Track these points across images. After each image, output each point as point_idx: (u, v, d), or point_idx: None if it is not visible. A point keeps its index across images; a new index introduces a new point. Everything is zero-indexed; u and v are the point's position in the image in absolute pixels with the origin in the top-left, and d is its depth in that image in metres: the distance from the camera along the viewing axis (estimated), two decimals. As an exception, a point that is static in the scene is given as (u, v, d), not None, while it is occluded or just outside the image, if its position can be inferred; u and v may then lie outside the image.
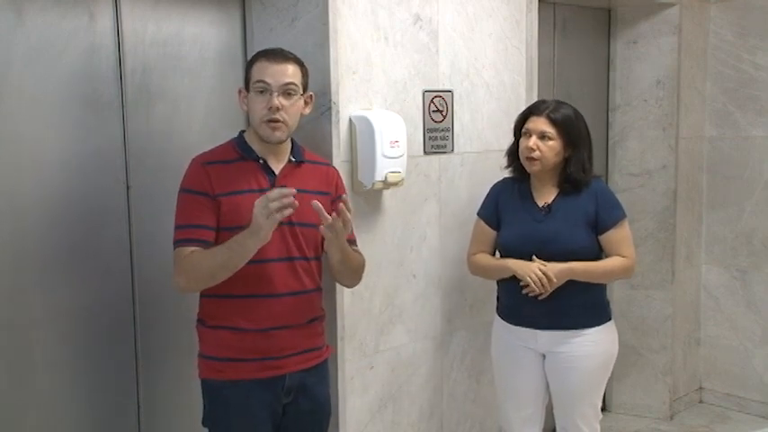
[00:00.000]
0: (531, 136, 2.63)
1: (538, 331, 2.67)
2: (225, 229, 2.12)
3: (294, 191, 1.94)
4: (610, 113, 4.15)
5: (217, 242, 2.12)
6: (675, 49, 3.97)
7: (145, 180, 2.48)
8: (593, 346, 2.66)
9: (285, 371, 2.20)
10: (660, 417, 4.17)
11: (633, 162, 4.11)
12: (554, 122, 2.61)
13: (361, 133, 2.61)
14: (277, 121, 2.14)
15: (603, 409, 4.03)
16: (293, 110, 2.17)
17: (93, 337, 2.42)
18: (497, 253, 2.80)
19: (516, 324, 2.72)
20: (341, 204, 2.04)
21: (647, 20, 4.01)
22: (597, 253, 2.68)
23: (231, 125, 2.61)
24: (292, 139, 2.27)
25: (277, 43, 2.44)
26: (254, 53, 2.27)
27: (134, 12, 2.44)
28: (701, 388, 4.43)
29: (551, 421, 2.86)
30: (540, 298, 2.59)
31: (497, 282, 2.80)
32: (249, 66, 2.21)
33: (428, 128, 2.90)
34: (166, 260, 2.36)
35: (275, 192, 1.94)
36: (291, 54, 2.21)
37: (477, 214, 2.84)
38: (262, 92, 2.14)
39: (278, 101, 2.13)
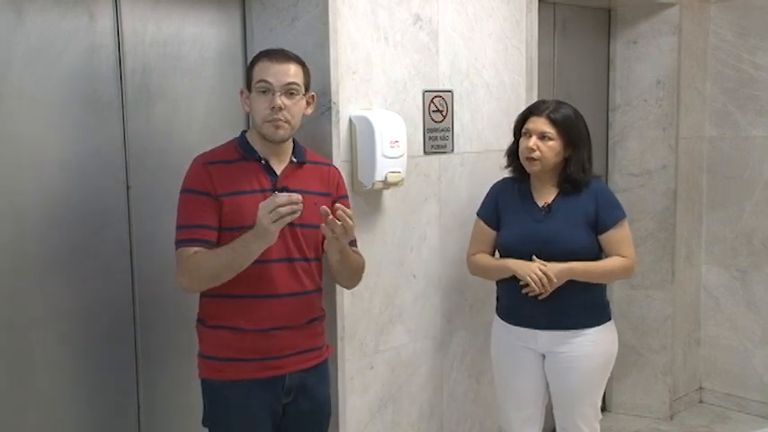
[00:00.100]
0: (531, 136, 2.63)
1: (538, 331, 2.68)
2: (226, 230, 2.12)
3: (301, 197, 1.95)
4: (610, 113, 4.15)
5: (218, 243, 2.12)
6: (675, 49, 3.97)
7: (145, 180, 2.48)
8: (593, 346, 2.66)
9: (285, 371, 2.20)
10: (660, 417, 4.17)
11: (633, 162, 4.11)
12: (554, 123, 2.61)
13: (361, 133, 2.61)
14: (280, 121, 2.14)
15: (603, 409, 4.04)
16: (295, 109, 2.18)
17: (93, 337, 2.42)
18: (497, 253, 2.80)
19: (516, 324, 2.72)
20: (339, 210, 2.03)
21: (647, 20, 4.01)
22: (597, 253, 2.68)
23: (231, 125, 2.61)
24: (294, 140, 2.27)
25: (277, 43, 2.44)
26: (254, 53, 2.27)
27: (134, 12, 2.44)
28: (701, 388, 4.43)
29: (551, 421, 2.86)
30: (539, 298, 2.59)
31: (497, 282, 2.80)
32: (251, 66, 2.21)
33: (428, 128, 2.90)
34: (166, 260, 2.37)
35: (284, 197, 1.94)
36: (293, 54, 2.21)
37: (477, 214, 2.84)
38: (264, 92, 2.15)
39: (280, 101, 2.13)
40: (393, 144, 2.61)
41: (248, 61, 2.59)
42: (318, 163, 2.33)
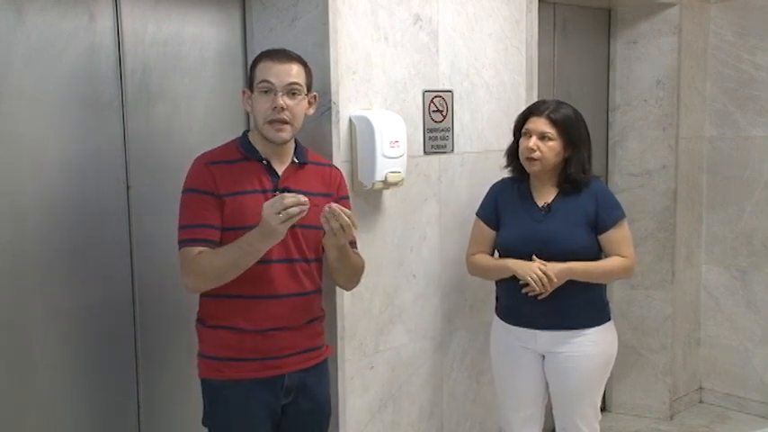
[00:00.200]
0: (531, 136, 2.63)
1: (537, 331, 2.67)
2: (228, 230, 2.12)
3: (307, 199, 1.96)
4: (610, 113, 4.15)
5: (220, 243, 2.12)
6: (675, 49, 3.97)
7: (145, 180, 2.48)
8: (593, 347, 2.66)
9: (284, 371, 2.20)
10: (660, 417, 4.17)
11: (633, 162, 4.11)
12: (554, 123, 2.61)
13: (361, 133, 2.61)
14: (282, 121, 2.14)
15: (603, 409, 4.05)
16: (298, 110, 2.18)
17: (93, 337, 2.42)
18: (496, 253, 2.80)
19: (515, 324, 2.72)
20: (335, 207, 2.04)
21: (647, 20, 4.01)
22: (597, 253, 2.68)
23: (231, 125, 2.61)
24: (296, 140, 2.27)
25: (277, 43, 2.44)
26: (254, 53, 2.28)
27: (134, 12, 2.44)
28: (701, 388, 4.43)
29: (551, 421, 2.86)
30: (539, 298, 2.59)
31: (496, 282, 2.80)
32: (253, 66, 2.21)
33: (428, 128, 2.90)
34: (166, 260, 2.37)
35: (291, 198, 1.94)
36: (295, 54, 2.21)
37: (477, 214, 2.84)
38: (266, 92, 2.15)
39: (282, 101, 2.13)
40: (393, 144, 2.61)
41: (248, 61, 2.60)
42: (320, 164, 2.33)
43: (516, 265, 2.62)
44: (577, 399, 2.71)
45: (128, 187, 2.45)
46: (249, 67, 2.27)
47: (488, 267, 2.78)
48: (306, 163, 2.27)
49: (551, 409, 2.79)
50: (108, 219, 2.42)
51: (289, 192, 2.03)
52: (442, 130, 2.95)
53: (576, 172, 2.64)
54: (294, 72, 2.16)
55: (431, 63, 2.89)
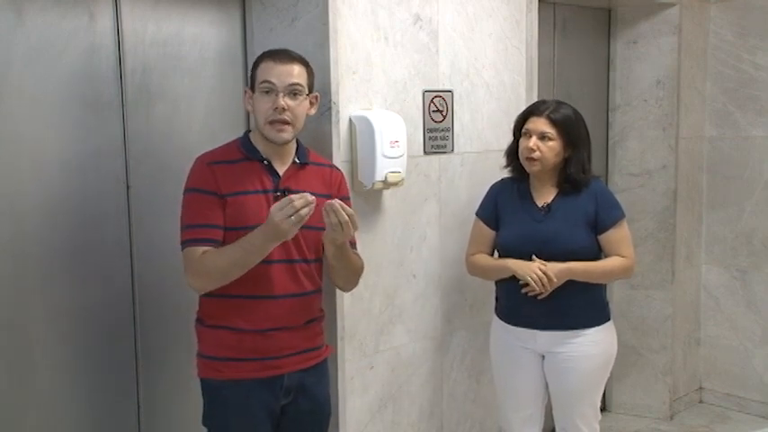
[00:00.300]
0: (531, 136, 2.63)
1: (537, 331, 2.68)
2: (229, 230, 2.12)
3: (314, 198, 1.97)
4: (610, 113, 4.15)
5: (222, 243, 2.12)
6: (675, 49, 3.97)
7: (145, 180, 2.48)
8: (593, 347, 2.66)
9: (284, 371, 2.20)
10: (660, 417, 4.17)
11: (633, 162, 4.11)
12: (554, 123, 2.61)
13: (361, 133, 2.61)
14: (284, 122, 2.14)
15: (603, 409, 4.05)
16: (299, 110, 2.18)
17: (93, 337, 2.42)
18: (496, 253, 2.80)
19: (515, 324, 2.72)
20: (336, 203, 2.04)
21: (647, 20, 4.01)
22: (597, 253, 2.68)
23: (231, 125, 2.61)
24: (297, 141, 2.27)
25: (277, 43, 2.44)
26: (254, 53, 2.28)
27: (134, 12, 2.44)
28: (701, 388, 4.43)
29: (551, 421, 2.86)
30: (539, 298, 2.59)
31: (496, 282, 2.80)
32: (255, 66, 2.21)
33: (428, 128, 2.90)
34: (166, 260, 2.37)
35: (300, 200, 1.94)
36: (297, 54, 2.21)
37: (476, 214, 2.84)
38: (267, 92, 2.15)
39: (284, 101, 2.13)
40: (393, 144, 2.61)
41: (248, 61, 2.60)
42: (321, 164, 2.33)
43: (516, 265, 2.62)
44: (577, 399, 2.71)
45: (128, 187, 2.45)
46: (251, 67, 2.27)
47: (488, 267, 2.78)
48: (307, 163, 2.27)
49: (551, 409, 2.79)
50: (108, 219, 2.42)
51: (289, 192, 2.03)
52: (442, 130, 2.95)
53: (576, 172, 2.64)
54: (296, 72, 2.16)
55: (431, 63, 2.89)
